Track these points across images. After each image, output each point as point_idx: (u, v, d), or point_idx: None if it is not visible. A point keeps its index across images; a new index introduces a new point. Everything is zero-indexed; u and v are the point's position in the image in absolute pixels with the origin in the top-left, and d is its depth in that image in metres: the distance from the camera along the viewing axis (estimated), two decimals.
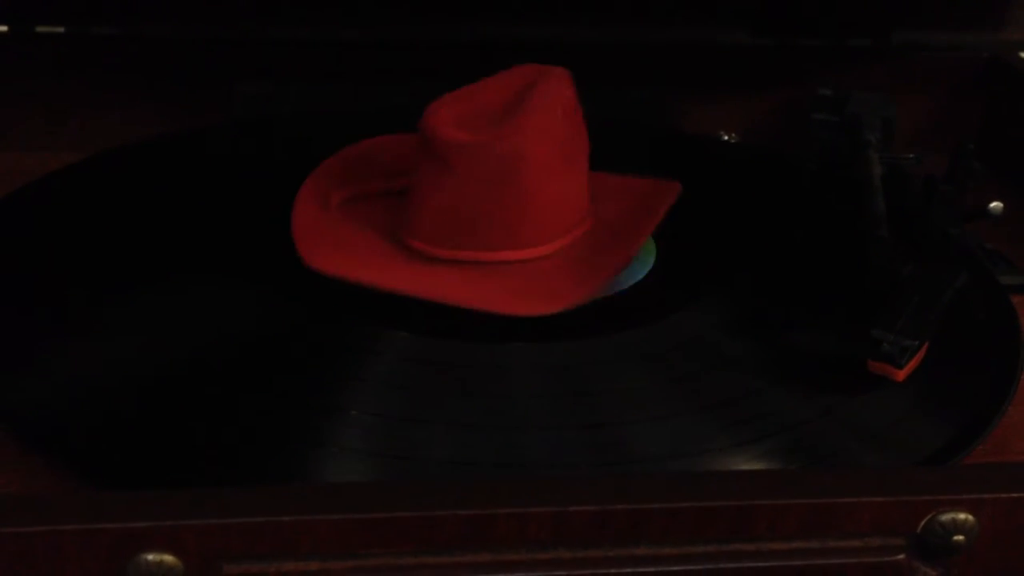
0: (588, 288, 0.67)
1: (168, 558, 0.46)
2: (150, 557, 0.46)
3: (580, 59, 0.90)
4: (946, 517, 0.49)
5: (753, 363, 0.64)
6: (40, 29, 0.90)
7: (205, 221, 0.74)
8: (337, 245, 0.70)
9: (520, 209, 0.68)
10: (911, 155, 0.84)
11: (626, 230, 0.73)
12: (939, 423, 0.62)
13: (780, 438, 0.60)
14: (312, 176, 0.76)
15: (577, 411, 0.60)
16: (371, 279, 0.67)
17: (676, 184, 0.77)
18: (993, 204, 0.78)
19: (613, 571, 0.48)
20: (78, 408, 0.59)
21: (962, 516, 0.49)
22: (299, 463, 0.57)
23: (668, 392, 0.62)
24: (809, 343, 0.66)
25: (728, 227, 0.77)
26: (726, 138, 0.95)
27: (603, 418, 0.60)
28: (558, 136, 0.69)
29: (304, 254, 0.68)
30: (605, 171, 0.75)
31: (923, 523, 0.49)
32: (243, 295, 0.67)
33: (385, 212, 0.73)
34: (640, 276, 0.71)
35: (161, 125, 0.90)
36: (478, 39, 0.92)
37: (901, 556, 0.49)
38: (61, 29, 0.90)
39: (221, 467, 0.56)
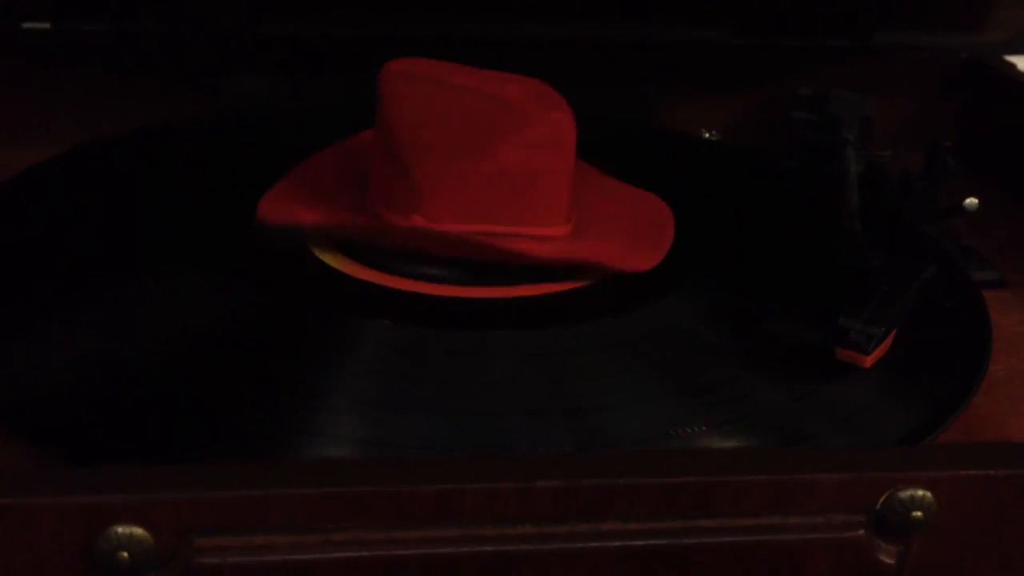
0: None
1: (138, 531, 0.46)
2: (120, 530, 0.46)
3: (561, 56, 0.92)
4: (904, 494, 0.50)
5: (728, 351, 0.65)
6: (26, 25, 0.90)
7: (188, 213, 0.75)
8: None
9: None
10: (887, 151, 0.85)
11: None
12: (908, 409, 0.63)
13: (753, 422, 0.61)
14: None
15: (556, 397, 0.61)
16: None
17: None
18: (968, 200, 0.79)
19: (579, 546, 0.49)
20: (53, 388, 0.60)
21: (920, 493, 0.49)
22: (281, 450, 0.57)
23: (645, 378, 0.63)
24: (783, 332, 0.67)
25: (706, 221, 0.78)
26: (707, 136, 0.96)
27: (582, 404, 0.61)
28: None
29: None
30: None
31: (882, 500, 0.50)
32: (223, 285, 0.68)
33: None
34: None
35: (146, 120, 0.90)
36: (461, 36, 0.92)
37: (861, 532, 0.50)
38: (47, 25, 0.90)
39: (200, 453, 0.57)
